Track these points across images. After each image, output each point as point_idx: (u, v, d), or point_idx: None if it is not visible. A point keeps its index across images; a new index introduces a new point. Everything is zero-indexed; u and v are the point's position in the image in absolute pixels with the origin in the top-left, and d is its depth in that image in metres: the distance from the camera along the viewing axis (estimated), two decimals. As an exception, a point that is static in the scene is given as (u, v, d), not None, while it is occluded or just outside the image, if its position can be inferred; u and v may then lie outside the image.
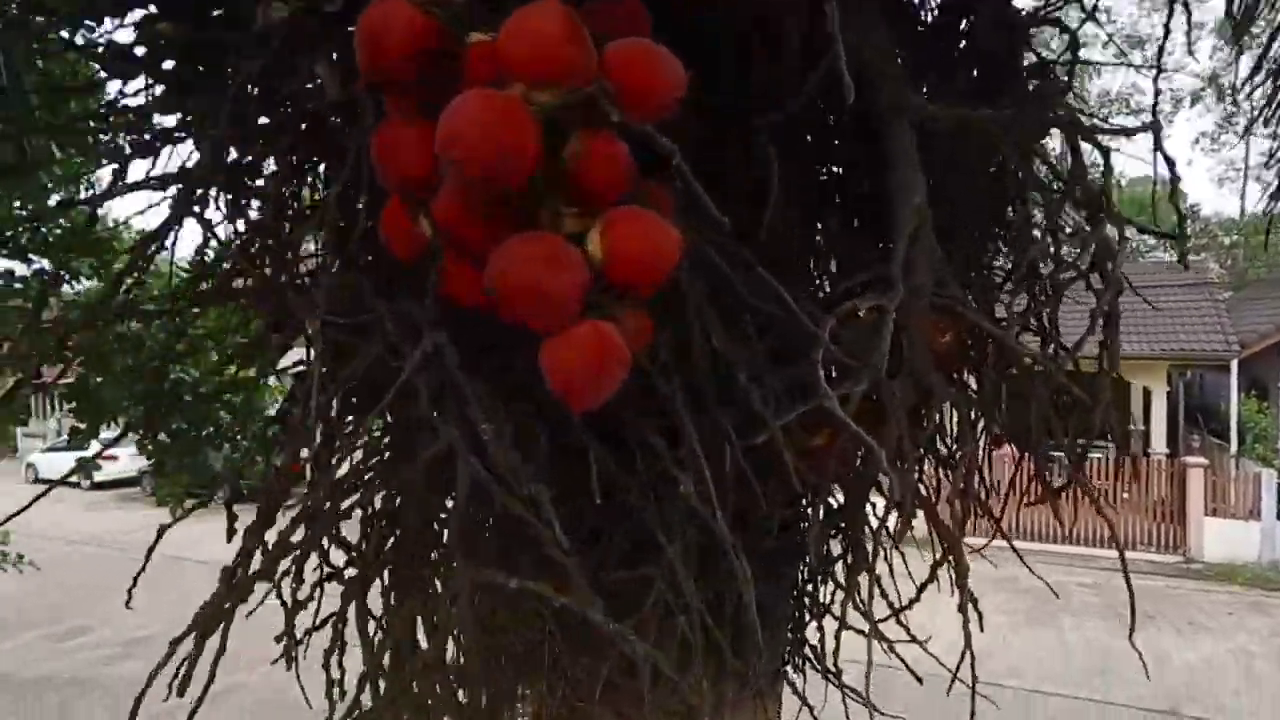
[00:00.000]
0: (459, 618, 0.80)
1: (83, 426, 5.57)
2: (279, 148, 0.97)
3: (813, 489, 1.39)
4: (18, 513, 1.07)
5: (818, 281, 1.58)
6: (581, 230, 0.77)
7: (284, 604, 1.41)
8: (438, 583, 1.15)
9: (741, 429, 1.14)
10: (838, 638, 1.45)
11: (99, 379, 5.03)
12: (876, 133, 1.42)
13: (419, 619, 1.17)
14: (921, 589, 1.36)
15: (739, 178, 1.29)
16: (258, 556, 1.01)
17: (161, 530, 1.15)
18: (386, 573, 1.20)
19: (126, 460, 14.57)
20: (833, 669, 1.79)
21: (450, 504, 0.96)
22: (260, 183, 1.04)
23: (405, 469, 0.91)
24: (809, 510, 1.81)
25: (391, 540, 1.13)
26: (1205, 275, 16.19)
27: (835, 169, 1.57)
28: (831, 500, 1.73)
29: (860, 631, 1.48)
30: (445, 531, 0.83)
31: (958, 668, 1.33)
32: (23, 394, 1.32)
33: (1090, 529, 10.74)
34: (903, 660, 1.47)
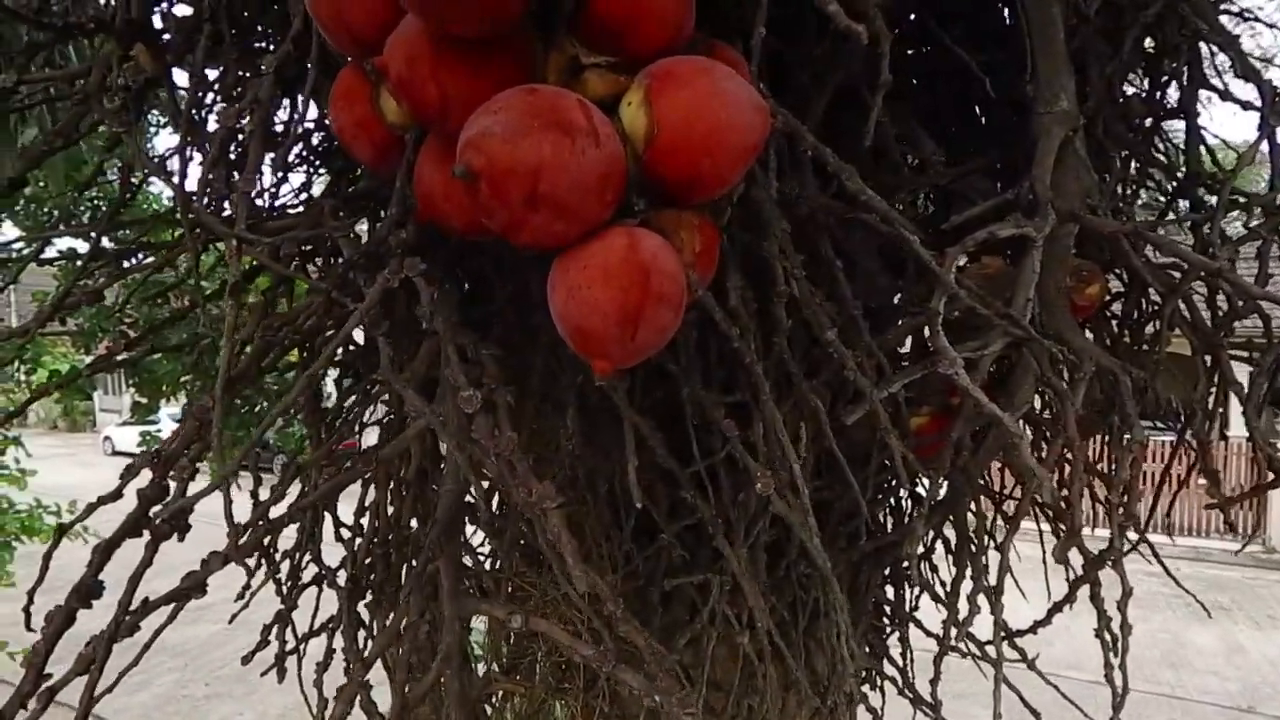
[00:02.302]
0: (445, 660, 0.57)
1: (144, 401, 5.68)
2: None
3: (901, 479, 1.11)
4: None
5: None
6: (612, 93, 0.50)
7: (282, 609, 1.21)
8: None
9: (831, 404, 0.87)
10: (938, 662, 1.17)
11: (156, 355, 5.07)
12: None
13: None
14: (1055, 610, 1.07)
15: (820, 70, 0.99)
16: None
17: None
18: (377, 580, 0.98)
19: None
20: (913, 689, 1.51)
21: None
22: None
23: (384, 452, 0.68)
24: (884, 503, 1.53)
25: (379, 543, 0.91)
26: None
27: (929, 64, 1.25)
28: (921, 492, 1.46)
29: (966, 653, 1.21)
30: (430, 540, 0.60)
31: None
32: (87, 371, 1.18)
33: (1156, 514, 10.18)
34: (1018, 692, 1.18)
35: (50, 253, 1.08)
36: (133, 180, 0.83)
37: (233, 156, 0.94)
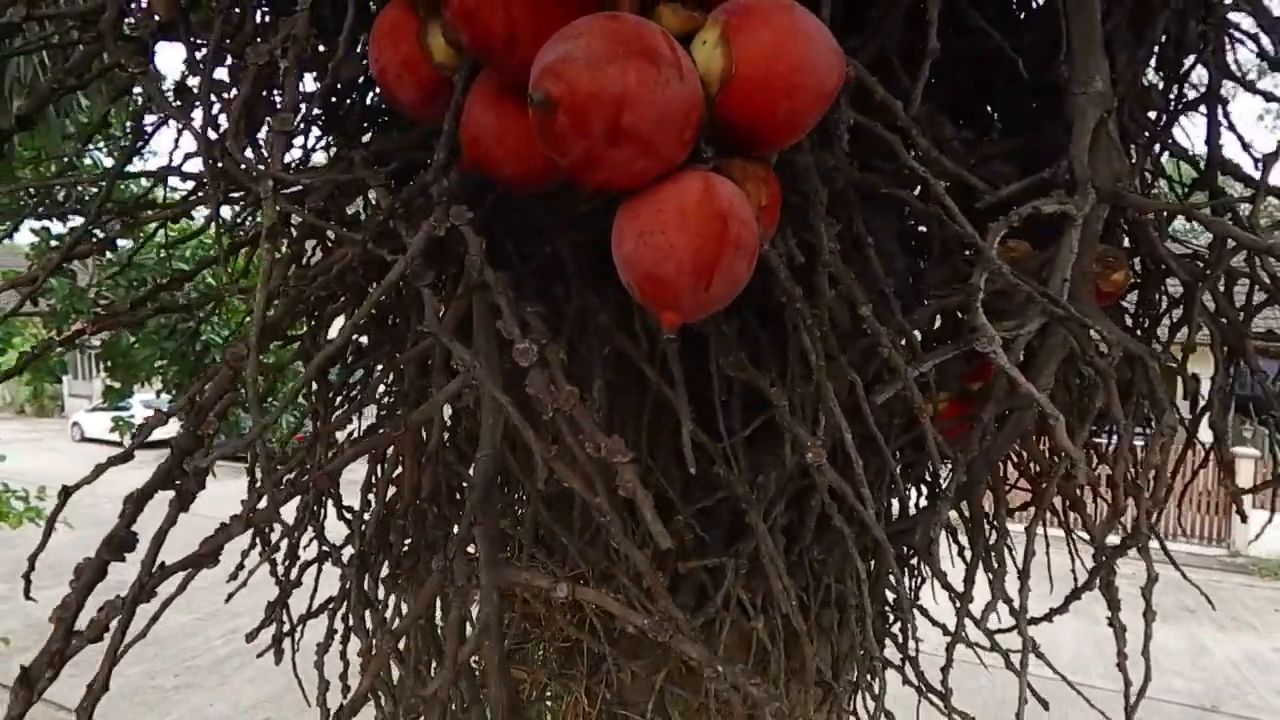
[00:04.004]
0: (482, 634, 0.54)
1: (117, 385, 5.52)
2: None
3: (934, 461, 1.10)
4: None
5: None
6: (685, 30, 0.47)
7: (278, 584, 1.17)
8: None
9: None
10: (950, 650, 1.16)
11: (132, 339, 4.95)
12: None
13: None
14: (1071, 598, 1.07)
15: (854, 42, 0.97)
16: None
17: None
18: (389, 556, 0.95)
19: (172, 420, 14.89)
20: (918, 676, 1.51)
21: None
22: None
23: (408, 415, 0.65)
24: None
25: (394, 515, 0.87)
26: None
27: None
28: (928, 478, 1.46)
29: (973, 644, 1.20)
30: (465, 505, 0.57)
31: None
32: (59, 352, 1.12)
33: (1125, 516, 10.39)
34: (1029, 684, 1.17)
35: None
36: (145, 129, 0.79)
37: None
